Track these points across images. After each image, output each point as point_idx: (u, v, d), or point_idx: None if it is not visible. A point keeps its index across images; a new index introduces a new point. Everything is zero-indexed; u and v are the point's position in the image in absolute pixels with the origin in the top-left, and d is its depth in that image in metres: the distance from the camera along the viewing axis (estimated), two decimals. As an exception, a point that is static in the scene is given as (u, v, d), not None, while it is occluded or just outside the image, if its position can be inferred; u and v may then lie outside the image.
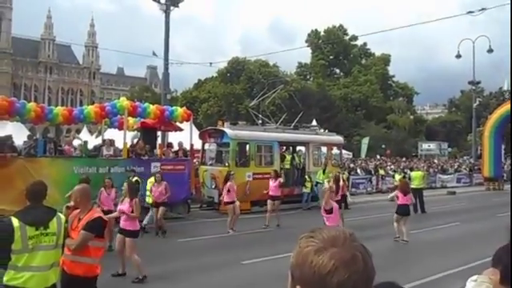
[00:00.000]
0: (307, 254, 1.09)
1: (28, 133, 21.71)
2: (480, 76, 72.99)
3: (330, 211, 8.43)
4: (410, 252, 10.67)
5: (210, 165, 17.89)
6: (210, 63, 26.73)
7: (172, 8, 21.15)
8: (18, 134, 16.31)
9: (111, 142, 15.18)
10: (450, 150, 54.65)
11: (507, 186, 30.51)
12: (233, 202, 12.80)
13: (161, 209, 11.91)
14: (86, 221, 4.38)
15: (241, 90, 55.02)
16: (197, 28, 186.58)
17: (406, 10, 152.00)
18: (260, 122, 20.71)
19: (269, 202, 14.07)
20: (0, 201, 11.62)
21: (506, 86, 64.67)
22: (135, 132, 17.39)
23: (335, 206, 8.67)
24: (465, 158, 47.42)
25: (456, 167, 36.10)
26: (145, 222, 12.13)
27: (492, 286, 1.91)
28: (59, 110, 15.06)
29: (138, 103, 16.08)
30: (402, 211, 11.59)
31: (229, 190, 12.79)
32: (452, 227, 14.18)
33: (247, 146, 17.64)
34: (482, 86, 59.52)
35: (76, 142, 16.96)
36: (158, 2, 21.13)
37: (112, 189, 10.41)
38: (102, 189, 10.24)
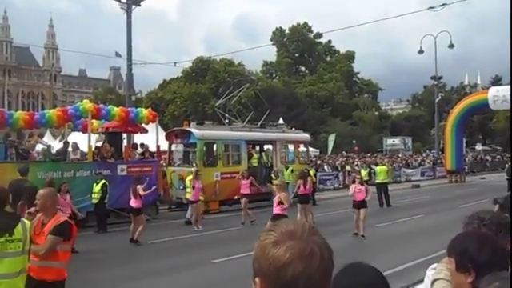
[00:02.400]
0: (265, 246, 1.10)
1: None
2: (442, 71, 75.38)
3: (279, 203, 10.07)
4: (374, 245, 10.96)
5: (178, 165, 17.80)
6: (175, 63, 26.38)
7: (134, 7, 20.86)
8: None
9: (76, 146, 14.94)
10: (413, 144, 56.31)
11: (469, 179, 31.85)
12: (196, 201, 13.05)
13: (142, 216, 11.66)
14: (53, 225, 4.34)
15: (206, 89, 54.73)
16: (160, 27, 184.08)
17: (370, 6, 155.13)
18: (227, 121, 20.74)
19: (242, 200, 14.40)
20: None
21: (466, 81, 67.06)
22: (100, 135, 17.09)
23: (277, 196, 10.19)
24: (428, 152, 48.97)
25: (420, 161, 37.24)
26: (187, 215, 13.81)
27: (449, 273, 2.02)
28: (20, 114, 14.63)
29: (101, 106, 15.86)
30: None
31: (193, 188, 13.17)
32: (416, 219, 14.65)
33: (214, 146, 17.66)
34: (444, 81, 61.63)
35: (39, 147, 16.49)
36: (119, 1, 20.80)
37: (67, 194, 10.46)
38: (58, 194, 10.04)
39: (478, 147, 54.76)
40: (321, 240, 1.13)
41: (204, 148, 17.13)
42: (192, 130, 17.21)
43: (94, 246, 10.36)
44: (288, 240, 1.09)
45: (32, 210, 4.75)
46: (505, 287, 1.57)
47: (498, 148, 58.72)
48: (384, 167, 20.18)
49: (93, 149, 14.76)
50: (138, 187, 11.50)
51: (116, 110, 15.18)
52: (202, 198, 13.89)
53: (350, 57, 68.16)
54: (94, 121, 15.12)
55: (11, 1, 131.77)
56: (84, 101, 16.10)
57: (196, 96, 53.68)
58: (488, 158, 45.50)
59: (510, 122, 30.20)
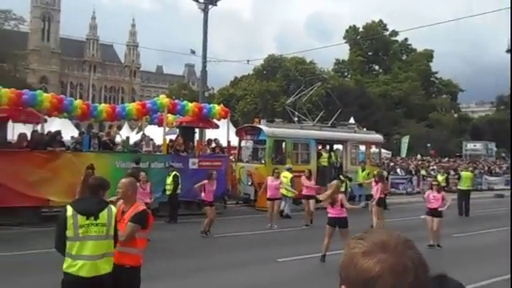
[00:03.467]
0: (354, 255, 1.06)
1: (74, 129, 22.72)
2: (530, 72, 69.17)
3: (332, 204, 9.13)
4: (451, 256, 10.24)
5: (247, 162, 17.98)
6: (248, 61, 26.42)
7: (210, 6, 21.37)
8: (65, 129, 17.04)
9: (149, 138, 15.65)
10: (497, 150, 52.41)
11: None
12: (274, 199, 13.08)
13: (212, 208, 11.80)
14: (133, 213, 4.51)
15: (277, 87, 54.95)
16: (233, 26, 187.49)
17: (449, 2, 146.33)
18: (296, 119, 20.61)
19: (305, 201, 13.98)
20: (49, 192, 12.21)
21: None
22: (174, 129, 17.71)
23: (340, 196, 9.22)
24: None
25: (505, 169, 34.57)
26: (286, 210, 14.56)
27: None
28: (103, 107, 15.57)
29: (177, 101, 16.40)
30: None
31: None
32: (499, 232, 13.50)
33: (283, 144, 17.61)
34: (532, 83, 56.73)
35: (117, 138, 17.46)
36: (197, 1, 21.40)
37: (147, 183, 10.76)
38: (138, 184, 10.52)
39: None
40: (416, 255, 1.04)
41: (273, 145, 17.14)
42: (262, 126, 17.30)
43: (164, 236, 10.72)
44: (379, 252, 1.03)
45: (113, 198, 4.98)
46: None
47: None
48: (469, 173, 18.90)
49: (167, 142, 15.34)
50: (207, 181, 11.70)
51: (190, 105, 15.65)
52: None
53: (427, 56, 65.07)
54: (169, 115, 15.70)
55: (99, 1, 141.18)
56: (161, 96, 16.79)
57: (266, 93, 54.12)
58: None
59: (510, 121, 27.58)
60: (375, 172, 14.99)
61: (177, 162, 14.26)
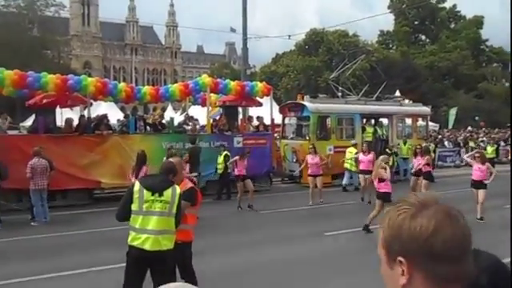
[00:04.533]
0: (402, 222, 1.05)
1: (119, 112, 23.41)
2: None
3: (381, 180, 9.40)
4: (498, 230, 9.77)
5: (291, 139, 17.94)
6: (289, 36, 25.63)
7: (250, -18, 21.10)
8: (111, 112, 17.59)
9: (192, 118, 15.94)
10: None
11: None
12: (315, 175, 13.01)
13: (249, 181, 12.37)
14: (182, 190, 4.66)
15: (320, 62, 53.91)
16: (273, 0, 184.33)
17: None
18: (340, 94, 20.26)
19: (361, 176, 13.71)
20: (99, 174, 12.74)
21: None
22: (218, 108, 17.89)
23: (387, 173, 9.50)
24: None
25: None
26: (345, 181, 15.55)
27: None
28: (147, 89, 15.92)
29: (219, 80, 16.49)
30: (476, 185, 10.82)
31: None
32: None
33: (328, 120, 17.41)
34: None
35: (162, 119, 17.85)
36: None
37: (186, 164, 11.01)
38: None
39: None
40: (451, 207, 1.09)
41: (317, 121, 16.98)
42: (306, 103, 17.13)
43: (213, 213, 10.98)
44: (425, 210, 1.05)
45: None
46: None
47: None
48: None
49: (211, 121, 15.53)
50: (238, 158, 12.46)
51: (232, 84, 15.71)
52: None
53: (478, 22, 61.62)
54: (212, 95, 15.84)
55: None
56: (203, 75, 16.93)
57: (309, 69, 53.29)
58: None
59: (510, 117, 25.70)
60: (418, 145, 14.62)
61: (222, 141, 14.45)
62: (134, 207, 4.27)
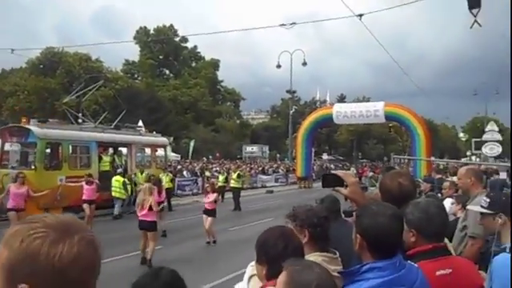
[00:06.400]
0: (39, 246, 0.97)
1: None
2: (298, 86, 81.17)
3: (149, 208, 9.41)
4: (227, 248, 11.01)
5: (13, 168, 15.57)
6: (12, 50, 21.08)
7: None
8: None
9: None
10: (270, 152, 59.33)
11: (315, 185, 34.48)
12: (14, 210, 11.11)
13: None
14: None
15: (57, 84, 49.73)
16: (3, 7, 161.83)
17: (239, 17, 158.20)
18: (81, 120, 19.02)
19: (85, 206, 13.17)
20: None
21: (318, 96, 73.36)
22: None
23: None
24: (285, 159, 52.04)
25: (275, 168, 39.27)
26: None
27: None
28: None
29: None
30: None
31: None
32: (264, 223, 15.08)
33: (60, 147, 15.93)
34: (298, 95, 66.38)
35: None
36: None
37: None
38: None
39: (325, 157, 60.37)
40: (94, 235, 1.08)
41: (45, 149, 15.31)
42: (31, 127, 15.19)
43: None
44: (67, 237, 1.00)
45: None
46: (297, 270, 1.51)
47: (341, 158, 65.43)
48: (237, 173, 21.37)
49: None
50: None
51: None
52: None
53: (214, 64, 69.17)
54: None
55: None
56: None
57: (44, 91, 48.46)
58: (332, 166, 50.17)
59: (510, 127, 29.91)
60: (152, 175, 15.20)
61: None
62: None
